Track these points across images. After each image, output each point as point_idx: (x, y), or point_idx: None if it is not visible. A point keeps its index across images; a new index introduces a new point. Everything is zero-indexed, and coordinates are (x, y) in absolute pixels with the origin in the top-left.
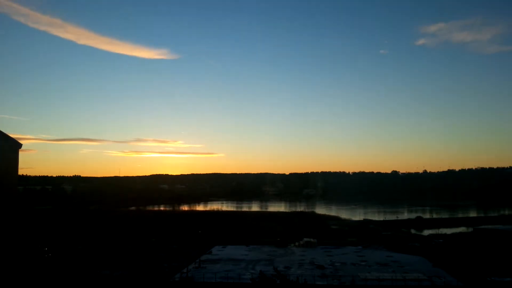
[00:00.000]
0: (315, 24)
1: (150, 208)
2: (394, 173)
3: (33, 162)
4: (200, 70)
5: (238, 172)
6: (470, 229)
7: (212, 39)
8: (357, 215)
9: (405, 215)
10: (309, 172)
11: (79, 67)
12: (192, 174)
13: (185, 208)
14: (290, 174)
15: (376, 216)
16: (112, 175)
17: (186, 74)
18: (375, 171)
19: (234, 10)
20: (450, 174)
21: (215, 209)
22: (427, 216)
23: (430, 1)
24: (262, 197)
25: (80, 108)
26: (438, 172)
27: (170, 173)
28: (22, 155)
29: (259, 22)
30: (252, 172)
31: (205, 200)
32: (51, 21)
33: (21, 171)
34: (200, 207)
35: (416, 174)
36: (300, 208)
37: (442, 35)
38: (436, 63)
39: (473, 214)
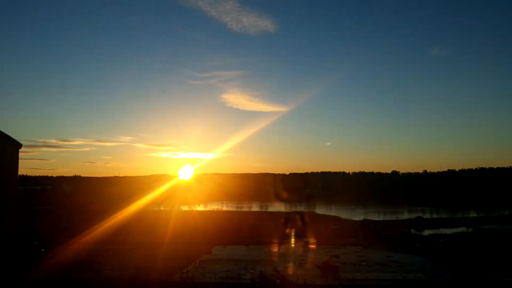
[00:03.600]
0: (317, 22)
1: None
2: (394, 173)
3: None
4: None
5: (238, 172)
6: (470, 229)
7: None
8: (357, 215)
9: (405, 215)
10: (309, 172)
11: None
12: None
13: (185, 208)
14: (290, 174)
15: (376, 216)
16: (112, 175)
17: None
18: (375, 171)
19: None
20: (450, 174)
21: (215, 209)
22: (427, 216)
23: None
24: (263, 197)
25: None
26: (438, 172)
27: (170, 173)
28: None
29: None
30: (252, 172)
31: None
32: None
33: (21, 171)
34: (200, 207)
35: (416, 174)
36: (300, 208)
37: None
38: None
39: (473, 214)
